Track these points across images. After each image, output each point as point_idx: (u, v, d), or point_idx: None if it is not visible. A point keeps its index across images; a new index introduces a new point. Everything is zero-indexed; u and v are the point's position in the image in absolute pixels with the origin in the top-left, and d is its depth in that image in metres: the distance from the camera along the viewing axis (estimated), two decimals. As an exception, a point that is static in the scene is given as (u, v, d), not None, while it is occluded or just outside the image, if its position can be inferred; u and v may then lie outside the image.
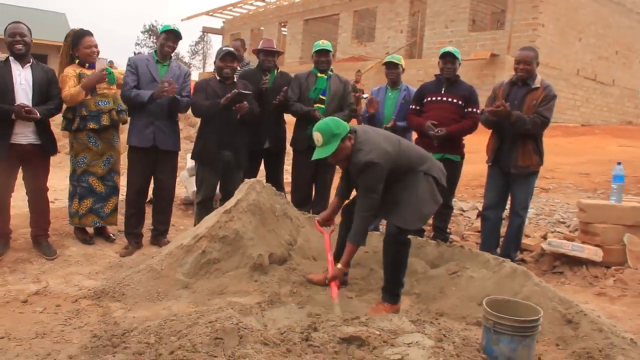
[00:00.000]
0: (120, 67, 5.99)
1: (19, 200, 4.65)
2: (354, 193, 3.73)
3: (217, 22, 34.13)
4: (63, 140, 8.28)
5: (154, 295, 3.50)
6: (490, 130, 4.73)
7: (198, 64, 42.85)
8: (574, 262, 4.57)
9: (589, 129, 16.45)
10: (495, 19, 21.56)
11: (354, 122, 5.59)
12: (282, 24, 29.15)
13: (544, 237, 5.14)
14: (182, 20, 32.14)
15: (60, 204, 5.85)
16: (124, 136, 5.11)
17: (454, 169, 4.99)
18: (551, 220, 6.08)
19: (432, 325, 2.99)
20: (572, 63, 18.89)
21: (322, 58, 5.08)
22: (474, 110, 4.90)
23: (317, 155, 3.32)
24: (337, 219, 3.89)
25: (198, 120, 6.57)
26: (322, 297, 3.65)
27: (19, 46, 4.21)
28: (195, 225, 4.77)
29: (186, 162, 6.62)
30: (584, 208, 4.76)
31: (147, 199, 5.05)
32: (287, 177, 6.21)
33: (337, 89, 5.13)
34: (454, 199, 5.65)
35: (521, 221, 4.57)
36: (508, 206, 4.76)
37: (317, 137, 3.28)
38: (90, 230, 4.92)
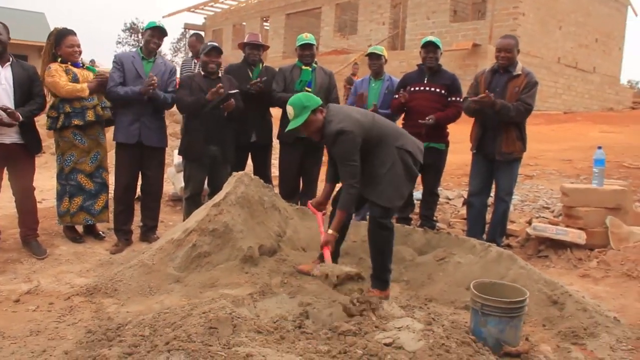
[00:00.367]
0: (102, 65, 5.96)
1: (7, 201, 4.65)
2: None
3: (198, 19, 33.95)
4: (48, 141, 8.24)
5: (146, 290, 3.53)
6: (473, 119, 4.80)
7: (180, 61, 42.55)
8: (559, 245, 4.67)
9: (571, 116, 16.64)
10: (476, 9, 21.66)
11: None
12: (264, 19, 29.04)
13: (529, 223, 5.23)
14: (163, 17, 31.85)
15: (48, 204, 5.83)
16: (109, 134, 5.11)
17: (439, 157, 5.06)
18: (535, 206, 6.19)
19: (421, 310, 3.07)
20: (553, 51, 19.07)
21: (306, 52, 5.11)
22: (457, 99, 4.96)
23: (289, 126, 3.44)
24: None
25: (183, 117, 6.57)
26: (312, 287, 3.69)
27: None
28: (184, 221, 4.80)
29: (173, 158, 6.62)
30: (566, 192, 4.85)
31: (135, 196, 5.06)
32: (275, 171, 6.24)
33: (323, 81, 5.16)
34: (439, 188, 5.72)
35: (506, 207, 4.65)
36: (493, 193, 4.84)
37: (289, 110, 3.44)
38: (79, 228, 4.91)
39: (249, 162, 5.50)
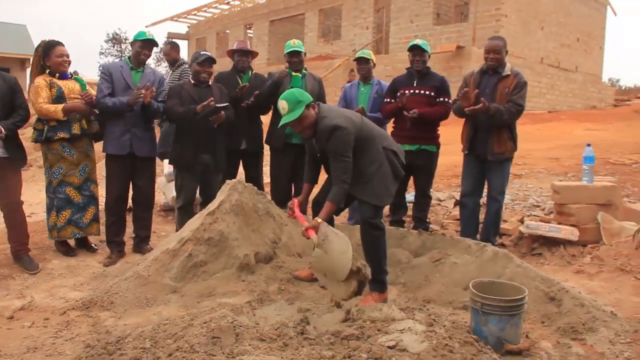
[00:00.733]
0: (85, 76, 5.88)
1: (-5, 218, 4.58)
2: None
3: (182, 28, 33.88)
4: (35, 154, 8.17)
5: (143, 301, 3.50)
6: (463, 120, 4.83)
7: (164, 70, 42.45)
8: (552, 242, 4.70)
9: (555, 115, 16.81)
10: (459, 11, 21.83)
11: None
12: (248, 26, 29.03)
13: (521, 221, 5.27)
14: (146, 26, 31.71)
15: (37, 218, 5.77)
16: (97, 145, 5.08)
17: (430, 159, 5.08)
18: (526, 205, 6.24)
19: (421, 312, 3.07)
20: (536, 51, 19.27)
21: (294, 59, 5.12)
22: (446, 99, 4.99)
23: (283, 121, 3.43)
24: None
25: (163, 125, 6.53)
26: (310, 293, 3.70)
27: None
28: (177, 231, 4.77)
29: (163, 168, 6.58)
30: (558, 190, 4.89)
31: (127, 207, 5.02)
32: (267, 178, 6.23)
33: (313, 87, 5.17)
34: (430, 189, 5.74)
35: (499, 206, 4.68)
36: (485, 193, 4.87)
37: (282, 105, 3.41)
38: (71, 241, 4.86)
39: (240, 169, 5.48)
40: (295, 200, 3.86)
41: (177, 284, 3.68)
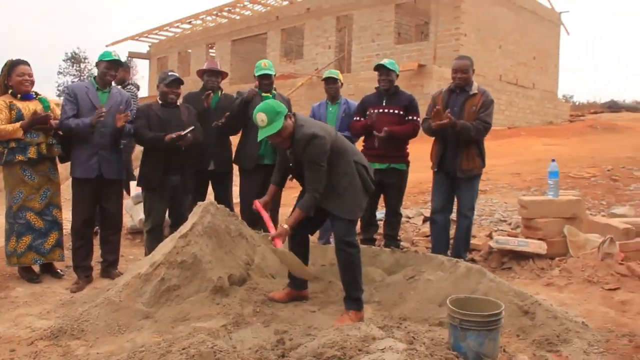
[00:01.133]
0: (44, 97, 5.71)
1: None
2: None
3: (142, 47, 33.54)
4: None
5: (115, 328, 3.39)
6: (433, 138, 4.91)
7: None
8: (521, 256, 4.80)
9: (515, 130, 17.25)
10: (419, 30, 22.32)
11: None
12: (210, 46, 28.95)
13: (490, 236, 5.36)
14: (106, 46, 31.23)
15: (-1, 244, 5.56)
16: (62, 168, 4.95)
17: (400, 178, 5.14)
18: (493, 220, 6.36)
19: (399, 330, 3.07)
20: (495, 69, 19.81)
21: (265, 81, 5.13)
22: (414, 118, 5.07)
23: (263, 134, 3.39)
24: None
25: (136, 148, 6.42)
26: (285, 314, 3.66)
27: None
28: (146, 254, 4.67)
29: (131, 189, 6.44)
30: (525, 205, 5.01)
31: (94, 231, 4.90)
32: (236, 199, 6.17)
33: (283, 107, 5.17)
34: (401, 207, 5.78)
35: (469, 222, 4.76)
36: (455, 209, 4.94)
37: (260, 117, 3.36)
38: (35, 267, 4.70)
39: (209, 190, 5.42)
40: (257, 202, 3.84)
41: (150, 309, 3.58)
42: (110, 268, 4.78)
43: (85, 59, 41.84)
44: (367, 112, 5.11)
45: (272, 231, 3.58)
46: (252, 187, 5.17)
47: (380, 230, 5.54)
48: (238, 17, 26.85)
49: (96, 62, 4.74)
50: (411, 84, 16.66)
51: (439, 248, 4.84)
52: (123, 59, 4.72)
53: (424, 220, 6.25)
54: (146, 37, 31.25)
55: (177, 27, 29.47)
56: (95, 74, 4.72)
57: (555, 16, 23.86)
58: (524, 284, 4.32)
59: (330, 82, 5.41)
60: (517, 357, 2.90)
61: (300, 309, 3.76)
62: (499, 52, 20.16)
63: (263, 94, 5.10)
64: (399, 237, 5.47)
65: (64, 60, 43.07)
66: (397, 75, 5.16)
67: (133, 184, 5.88)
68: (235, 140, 5.36)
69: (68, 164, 4.73)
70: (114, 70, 4.65)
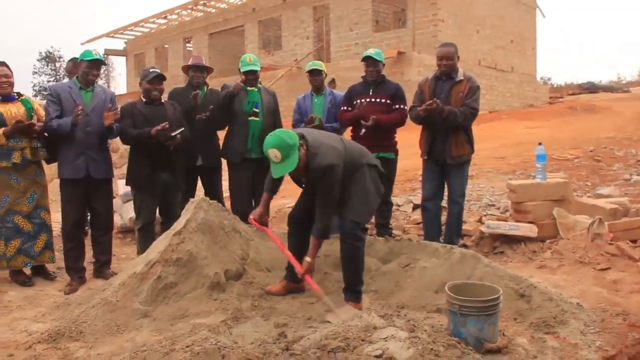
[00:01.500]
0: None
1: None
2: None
3: (119, 44, 33.10)
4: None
5: (114, 328, 3.36)
6: (419, 127, 4.93)
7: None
8: (512, 240, 4.86)
9: (496, 114, 17.42)
10: (397, 17, 22.35)
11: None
12: (187, 40, 28.68)
13: (480, 221, 5.42)
14: (81, 44, 30.78)
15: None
16: (48, 170, 4.89)
17: (389, 167, 5.13)
18: (481, 205, 6.41)
19: (399, 318, 3.09)
20: (473, 54, 19.93)
21: (250, 76, 5.07)
22: (401, 106, 5.08)
23: (280, 172, 3.32)
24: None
25: (121, 146, 6.37)
26: (284, 307, 3.67)
27: None
28: (138, 252, 4.65)
29: (118, 188, 6.39)
30: (513, 189, 5.07)
31: (84, 231, 4.86)
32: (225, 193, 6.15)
33: (269, 101, 5.16)
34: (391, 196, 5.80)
35: (460, 208, 4.80)
36: (446, 195, 4.97)
37: (274, 154, 3.22)
38: (27, 270, 4.65)
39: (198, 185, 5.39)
40: (251, 217, 3.82)
41: (147, 307, 3.56)
42: (103, 268, 4.75)
43: (60, 57, 41.19)
44: (355, 102, 5.10)
45: (282, 247, 3.61)
46: (241, 180, 5.15)
47: (372, 220, 5.55)
48: (214, 11, 26.60)
49: (74, 62, 4.66)
50: (391, 71, 16.69)
51: (432, 235, 4.87)
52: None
53: (414, 208, 6.29)
54: (122, 33, 30.86)
55: (153, 22, 29.13)
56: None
57: (531, -1, 24.07)
58: (517, 268, 4.38)
59: (315, 74, 5.38)
60: (517, 340, 2.94)
61: (298, 301, 3.76)
62: (476, 36, 20.29)
63: (248, 89, 5.07)
64: (390, 226, 5.50)
65: (38, 60, 42.46)
66: (384, 65, 5.16)
67: (120, 183, 5.83)
68: (222, 135, 5.32)
69: (54, 164, 4.68)
70: (96, 69, 4.60)
